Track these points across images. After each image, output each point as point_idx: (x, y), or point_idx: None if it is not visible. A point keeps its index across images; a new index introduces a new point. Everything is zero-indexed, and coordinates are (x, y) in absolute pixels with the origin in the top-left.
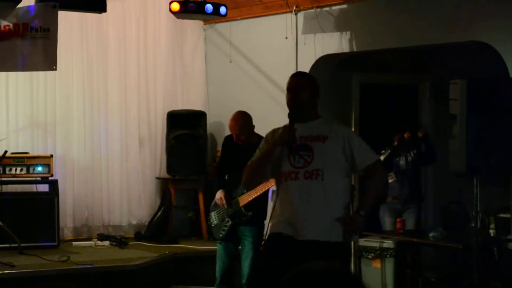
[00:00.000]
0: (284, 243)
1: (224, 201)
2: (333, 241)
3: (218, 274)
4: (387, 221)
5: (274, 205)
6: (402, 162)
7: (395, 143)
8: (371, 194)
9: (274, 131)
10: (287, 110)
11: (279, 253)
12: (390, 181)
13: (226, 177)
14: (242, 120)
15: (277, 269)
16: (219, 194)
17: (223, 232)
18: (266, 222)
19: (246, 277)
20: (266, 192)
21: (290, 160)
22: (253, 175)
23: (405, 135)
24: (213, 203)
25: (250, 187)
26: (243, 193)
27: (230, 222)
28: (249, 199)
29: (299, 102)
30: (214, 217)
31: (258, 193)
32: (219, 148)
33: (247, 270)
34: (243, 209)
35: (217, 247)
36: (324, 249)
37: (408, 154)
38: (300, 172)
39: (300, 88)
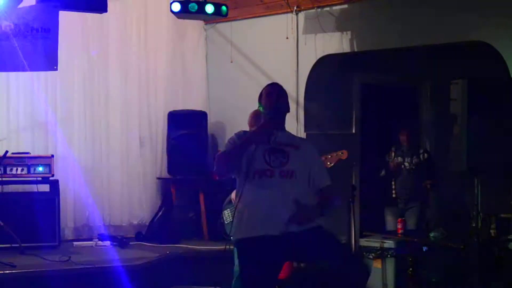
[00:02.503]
0: (269, 245)
1: None
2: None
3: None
4: (389, 220)
5: (237, 203)
6: (406, 163)
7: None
8: (319, 208)
9: (245, 132)
10: None
11: (268, 257)
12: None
13: None
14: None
15: (270, 273)
16: (235, 193)
17: None
18: None
19: None
20: None
21: (265, 159)
22: (229, 165)
23: (403, 141)
24: (226, 201)
25: (222, 175)
26: None
27: None
28: None
29: (281, 107)
30: (228, 215)
31: None
32: (220, 148)
33: None
34: None
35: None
36: (311, 234)
37: (413, 157)
38: (276, 171)
39: (281, 94)
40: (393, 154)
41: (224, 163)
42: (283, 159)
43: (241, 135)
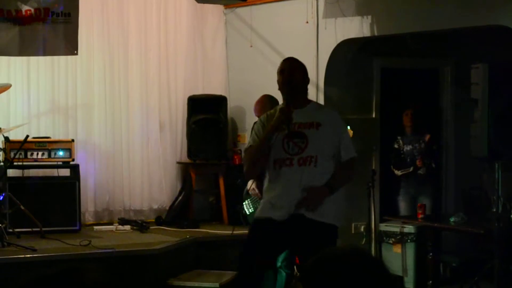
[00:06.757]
0: (274, 227)
1: (257, 191)
2: (328, 222)
3: None
4: (401, 206)
5: (263, 190)
6: (415, 151)
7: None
8: (340, 181)
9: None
10: None
11: (268, 237)
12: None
13: None
14: (267, 103)
15: (267, 250)
16: (251, 185)
17: None
18: None
19: (282, 259)
20: None
21: (284, 147)
22: (257, 163)
23: (406, 122)
24: (245, 191)
25: (252, 175)
26: None
27: None
28: None
29: (294, 83)
30: (248, 206)
31: None
32: (240, 132)
33: (284, 254)
34: None
35: None
36: (318, 229)
37: (420, 142)
38: (294, 159)
39: (294, 69)
40: (401, 142)
41: (252, 162)
42: (302, 144)
43: (263, 122)
